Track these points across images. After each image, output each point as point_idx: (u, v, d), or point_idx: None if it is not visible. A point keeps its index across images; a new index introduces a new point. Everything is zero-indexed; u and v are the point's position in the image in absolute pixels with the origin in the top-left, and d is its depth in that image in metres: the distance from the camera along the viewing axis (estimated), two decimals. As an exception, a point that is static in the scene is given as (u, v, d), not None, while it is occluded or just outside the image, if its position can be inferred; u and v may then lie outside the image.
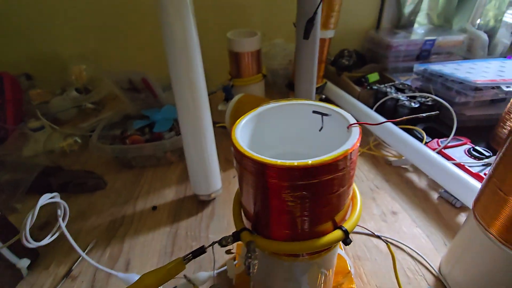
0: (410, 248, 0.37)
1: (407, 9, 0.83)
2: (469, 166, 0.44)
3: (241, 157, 0.19)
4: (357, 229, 0.39)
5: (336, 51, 0.82)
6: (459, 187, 0.40)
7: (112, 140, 0.56)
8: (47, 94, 0.72)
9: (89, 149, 0.53)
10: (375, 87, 0.66)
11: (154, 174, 0.53)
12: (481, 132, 0.55)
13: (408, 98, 0.59)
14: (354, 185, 0.25)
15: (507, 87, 0.51)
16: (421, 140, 0.51)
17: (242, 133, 0.21)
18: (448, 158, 0.47)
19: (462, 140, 0.50)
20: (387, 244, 0.27)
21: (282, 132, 0.25)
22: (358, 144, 0.19)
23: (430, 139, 0.52)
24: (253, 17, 0.81)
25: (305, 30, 0.47)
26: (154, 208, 0.45)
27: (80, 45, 0.76)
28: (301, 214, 0.19)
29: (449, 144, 0.49)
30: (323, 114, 0.23)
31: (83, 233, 0.42)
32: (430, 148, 0.49)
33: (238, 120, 0.21)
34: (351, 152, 0.18)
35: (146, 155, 0.54)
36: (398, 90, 0.63)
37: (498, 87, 0.51)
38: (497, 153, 0.26)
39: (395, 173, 0.50)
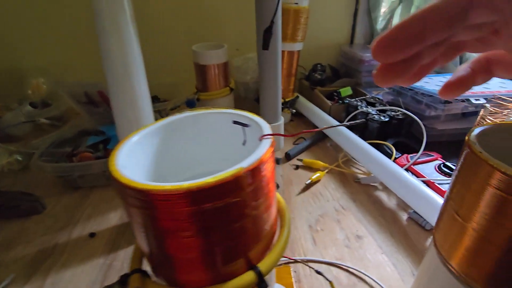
0: (373, 280, 0.32)
1: (379, 25, 0.83)
2: (439, 184, 0.41)
3: (118, 185, 0.14)
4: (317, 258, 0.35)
5: (310, 66, 0.81)
6: (427, 207, 0.37)
7: (60, 158, 0.51)
8: (1, 108, 0.67)
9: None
10: (346, 101, 0.64)
11: (101, 195, 0.48)
12: (452, 147, 0.52)
13: (378, 112, 0.57)
14: (285, 209, 0.21)
15: (476, 99, 0.49)
16: (390, 155, 0.48)
17: (135, 154, 0.17)
18: (418, 175, 0.43)
19: (432, 156, 0.47)
20: (330, 283, 0.22)
21: (199, 149, 0.21)
22: (263, 160, 0.15)
23: (400, 154, 0.49)
24: (227, 31, 0.79)
25: (264, 40, 0.44)
26: (92, 235, 0.40)
27: (40, 57, 0.72)
28: (199, 252, 0.15)
29: (418, 160, 0.46)
30: (243, 125, 0.20)
31: (3, 266, 0.36)
32: (398, 164, 0.46)
33: (125, 138, 0.17)
34: (252, 171, 0.14)
35: (95, 173, 0.49)
36: (369, 104, 0.61)
37: (468, 100, 0.49)
38: (453, 171, 0.23)
39: (363, 191, 0.46)
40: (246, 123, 0.20)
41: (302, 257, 0.35)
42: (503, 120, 0.44)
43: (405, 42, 0.12)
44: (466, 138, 0.21)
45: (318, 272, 0.30)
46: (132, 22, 0.34)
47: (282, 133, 0.57)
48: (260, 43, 0.46)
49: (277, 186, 0.22)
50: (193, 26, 0.76)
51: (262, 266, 0.17)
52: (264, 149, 0.15)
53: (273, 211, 0.19)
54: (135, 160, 0.17)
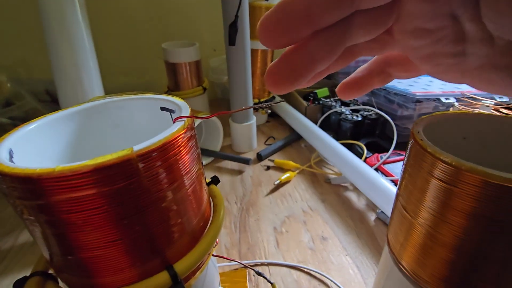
0: (335, 283, 0.30)
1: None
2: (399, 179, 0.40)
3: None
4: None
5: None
6: (394, 207, 0.36)
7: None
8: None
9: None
10: (321, 102, 0.63)
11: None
12: (426, 147, 0.51)
13: (351, 111, 0.56)
14: (220, 205, 0.19)
15: (446, 99, 0.48)
16: (361, 155, 0.47)
17: (33, 144, 0.15)
18: (387, 174, 0.42)
19: (403, 155, 0.46)
20: (272, 284, 0.20)
21: (123, 137, 0.19)
22: (167, 143, 0.13)
23: (371, 154, 0.48)
24: (203, 32, 0.78)
25: (229, 35, 0.43)
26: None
27: (2, 54, 0.69)
28: (98, 249, 0.13)
29: (389, 159, 0.45)
30: (170, 111, 0.18)
31: None
32: (368, 164, 0.44)
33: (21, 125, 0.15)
34: (150, 153, 0.12)
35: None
36: (343, 104, 0.60)
37: (438, 99, 0.49)
38: (402, 164, 0.22)
39: (333, 192, 0.45)
40: (173, 108, 0.18)
41: (263, 260, 0.33)
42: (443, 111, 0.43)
43: (290, 23, 0.10)
44: (412, 127, 0.20)
45: (259, 274, 0.28)
46: (83, 14, 0.32)
47: (255, 133, 0.56)
48: (227, 39, 0.45)
49: (216, 180, 0.20)
50: (166, 25, 0.74)
51: (179, 266, 0.15)
52: (170, 131, 0.13)
53: (197, 205, 0.17)
54: (33, 150, 0.15)
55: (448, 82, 0.17)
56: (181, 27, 0.75)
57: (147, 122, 0.19)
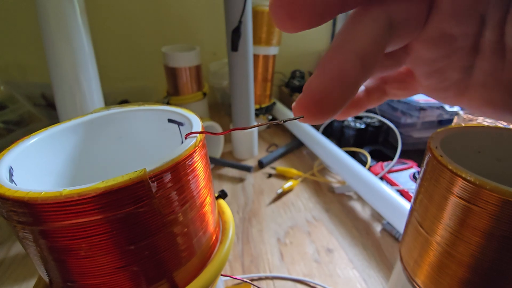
0: (342, 298, 0.30)
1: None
2: (413, 193, 0.39)
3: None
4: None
5: (290, 73, 0.80)
6: (401, 218, 0.35)
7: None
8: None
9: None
10: (323, 108, 0.62)
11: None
12: (429, 155, 0.51)
13: (354, 119, 0.55)
14: (229, 221, 0.18)
15: (450, 107, 0.48)
16: (365, 164, 0.47)
17: (34, 159, 0.14)
18: (392, 183, 0.42)
19: (407, 164, 0.45)
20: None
21: (129, 151, 0.18)
22: (180, 161, 0.12)
23: (375, 162, 0.47)
24: (202, 36, 0.77)
25: (232, 40, 0.42)
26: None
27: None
28: (104, 276, 0.12)
29: (393, 168, 0.44)
30: (178, 123, 0.17)
31: None
32: (373, 172, 0.44)
33: (19, 140, 0.14)
34: (163, 174, 0.11)
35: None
36: (346, 110, 0.60)
37: (442, 107, 0.49)
38: (417, 179, 0.21)
39: (337, 201, 0.44)
40: (181, 121, 0.17)
41: (267, 274, 0.32)
42: (460, 125, 0.43)
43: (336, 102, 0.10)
44: (428, 141, 0.19)
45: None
46: (83, 17, 0.31)
47: (256, 139, 0.55)
48: (229, 45, 0.44)
49: (225, 195, 0.19)
50: (166, 29, 0.73)
51: (187, 291, 0.14)
52: (183, 149, 0.13)
53: (207, 224, 0.16)
54: (35, 166, 0.14)
55: (443, 102, 0.17)
56: (181, 31, 0.75)
57: (152, 134, 0.18)
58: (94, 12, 0.66)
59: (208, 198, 0.16)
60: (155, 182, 0.11)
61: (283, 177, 0.50)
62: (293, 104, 0.11)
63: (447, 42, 0.12)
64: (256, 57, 0.59)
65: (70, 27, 0.30)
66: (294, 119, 0.14)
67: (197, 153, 0.14)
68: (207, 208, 0.16)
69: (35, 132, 0.14)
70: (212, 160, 0.51)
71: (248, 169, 0.49)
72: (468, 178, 0.15)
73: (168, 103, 0.61)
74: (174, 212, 0.13)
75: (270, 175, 0.50)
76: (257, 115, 0.63)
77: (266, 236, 0.38)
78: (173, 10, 0.72)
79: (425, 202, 0.19)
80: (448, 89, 0.15)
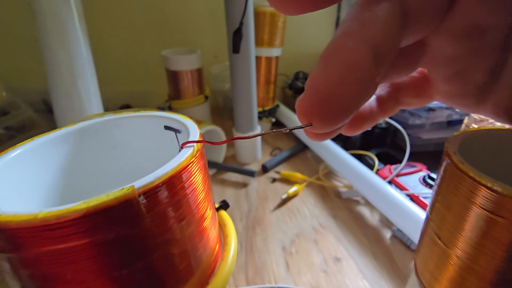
0: (352, 311, 0.28)
1: (363, 33, 0.82)
2: (424, 198, 0.38)
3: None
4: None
5: (294, 74, 0.78)
6: (412, 224, 0.33)
7: None
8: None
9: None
10: (327, 110, 0.61)
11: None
12: (439, 157, 0.49)
13: (360, 120, 0.54)
14: (230, 235, 0.17)
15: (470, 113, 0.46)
16: (372, 167, 0.45)
17: (19, 173, 0.13)
18: (401, 187, 0.40)
19: (417, 167, 0.44)
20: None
21: (123, 161, 0.17)
22: (175, 175, 0.11)
23: (383, 165, 0.45)
24: (203, 39, 0.76)
25: (233, 42, 0.41)
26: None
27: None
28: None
29: (402, 172, 0.43)
30: (175, 131, 0.16)
31: None
32: (381, 176, 0.42)
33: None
34: (155, 190, 0.10)
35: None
36: (351, 112, 0.58)
37: (452, 108, 0.47)
38: (433, 186, 0.19)
39: (345, 207, 0.42)
40: (178, 128, 0.16)
41: (273, 285, 0.31)
42: (480, 127, 0.41)
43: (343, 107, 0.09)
44: (445, 146, 0.18)
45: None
46: (80, 21, 0.30)
47: (259, 143, 0.54)
48: (230, 47, 0.43)
49: (226, 205, 0.18)
50: (166, 32, 0.73)
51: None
52: (177, 161, 0.11)
53: (208, 239, 0.15)
54: (17, 182, 0.13)
55: (462, 109, 0.15)
56: (182, 34, 0.74)
57: (149, 142, 0.17)
58: (95, 17, 0.66)
59: (208, 212, 0.15)
60: (146, 200, 0.10)
61: (288, 181, 0.48)
62: (296, 105, 0.10)
63: (474, 35, 0.10)
64: (258, 59, 0.57)
65: (68, 32, 0.30)
66: (301, 127, 0.12)
67: (194, 164, 0.12)
68: (207, 223, 0.15)
69: (19, 144, 0.13)
70: (214, 164, 0.50)
71: (251, 173, 0.48)
72: (494, 187, 0.14)
73: (169, 107, 0.60)
74: (170, 230, 0.12)
75: (274, 180, 0.49)
76: (260, 118, 0.62)
77: (270, 245, 0.36)
78: (174, 13, 0.71)
79: (443, 212, 0.18)
80: (470, 95, 0.13)
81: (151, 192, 0.10)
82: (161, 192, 0.10)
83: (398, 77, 0.14)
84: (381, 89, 0.16)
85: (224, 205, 0.19)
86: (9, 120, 0.61)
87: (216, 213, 0.18)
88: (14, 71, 0.67)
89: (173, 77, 0.58)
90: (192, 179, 0.12)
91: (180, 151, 0.14)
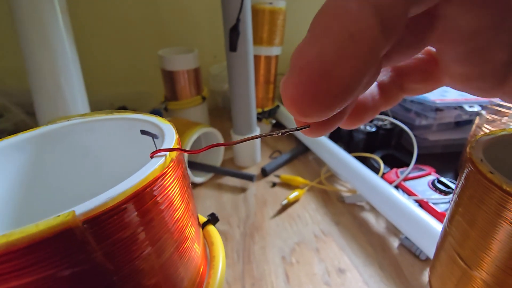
0: (357, 329, 0.26)
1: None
2: (434, 203, 0.35)
3: None
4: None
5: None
6: (421, 232, 0.31)
7: None
8: None
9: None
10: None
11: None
12: (447, 160, 0.47)
13: (364, 121, 0.51)
14: (218, 256, 0.15)
15: (470, 106, 0.44)
16: (378, 170, 0.43)
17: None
18: (409, 193, 0.38)
19: (425, 170, 0.41)
20: None
21: (94, 171, 0.15)
22: (138, 194, 0.09)
23: (389, 169, 0.43)
24: (202, 38, 0.74)
25: (230, 39, 0.39)
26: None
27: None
28: None
29: (409, 175, 0.40)
30: (153, 136, 0.13)
31: None
32: (387, 180, 0.40)
33: None
34: (105, 216, 0.08)
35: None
36: (354, 112, 0.56)
37: (461, 107, 0.44)
38: (451, 197, 0.17)
39: (348, 212, 0.40)
40: (155, 133, 0.14)
41: (271, 299, 0.29)
42: (504, 129, 0.38)
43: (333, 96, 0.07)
44: (468, 151, 0.15)
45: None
46: (64, 17, 0.28)
47: (259, 145, 0.51)
48: (227, 44, 0.41)
49: (215, 220, 0.16)
50: (163, 31, 0.71)
51: None
52: (141, 176, 0.09)
53: (189, 264, 0.12)
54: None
55: (476, 94, 0.12)
56: (179, 33, 0.72)
57: (125, 149, 0.15)
58: (89, 17, 0.64)
59: (189, 229, 0.12)
60: (94, 228, 0.08)
61: (288, 186, 0.46)
62: (281, 87, 0.08)
63: (501, 2, 0.08)
64: (257, 58, 0.55)
65: (49, 27, 0.28)
66: (296, 129, 0.10)
67: (168, 176, 0.10)
68: (189, 243, 0.12)
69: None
70: (212, 168, 0.47)
71: (250, 178, 0.45)
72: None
73: (166, 109, 0.58)
74: (138, 258, 0.10)
75: (274, 184, 0.46)
76: (259, 119, 0.60)
77: (269, 254, 0.34)
78: (171, 13, 0.69)
79: (465, 227, 0.15)
80: (488, 77, 0.11)
81: (102, 218, 0.08)
82: (119, 215, 0.08)
83: (403, 58, 0.12)
84: (383, 75, 0.14)
85: (212, 220, 0.17)
86: (3, 123, 0.60)
87: (202, 229, 0.16)
88: (9, 73, 0.65)
89: (169, 77, 0.56)
90: (167, 193, 0.10)
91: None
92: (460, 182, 0.16)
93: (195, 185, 0.46)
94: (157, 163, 0.10)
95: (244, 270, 0.32)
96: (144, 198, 0.09)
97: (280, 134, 0.10)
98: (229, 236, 0.37)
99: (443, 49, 0.11)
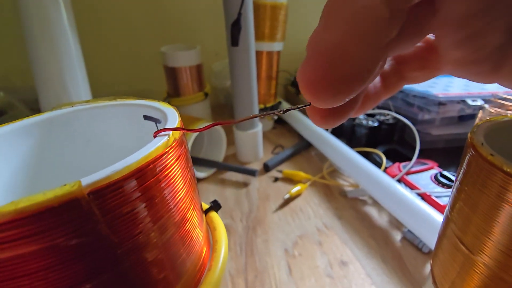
0: (360, 320, 0.26)
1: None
2: (436, 197, 0.35)
3: None
4: (290, 290, 0.28)
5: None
6: (424, 225, 0.31)
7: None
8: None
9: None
10: (332, 106, 0.58)
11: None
12: (450, 154, 0.46)
13: (366, 116, 0.51)
14: (221, 240, 0.15)
15: (473, 100, 0.43)
16: (380, 165, 0.43)
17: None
18: (411, 186, 0.38)
19: (427, 164, 0.41)
20: None
21: (97, 156, 0.15)
22: (141, 169, 0.09)
23: (391, 163, 0.43)
24: (204, 35, 0.75)
25: (232, 34, 0.39)
26: None
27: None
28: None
29: (412, 169, 0.40)
30: (156, 121, 0.14)
31: None
32: (389, 174, 0.40)
33: None
34: (111, 187, 0.08)
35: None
36: (357, 108, 0.56)
37: (464, 101, 0.44)
38: (454, 182, 0.17)
39: (350, 207, 0.40)
40: (158, 117, 0.14)
41: (274, 291, 0.29)
42: (506, 115, 0.38)
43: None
44: (469, 136, 0.15)
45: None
46: (68, 15, 0.28)
47: (261, 141, 0.51)
48: (229, 39, 0.41)
49: (217, 206, 0.16)
50: (166, 28, 0.71)
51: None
52: (144, 152, 0.09)
53: (192, 244, 0.13)
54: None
55: (474, 79, 0.13)
56: (182, 31, 0.72)
57: (127, 135, 0.15)
58: (91, 16, 0.65)
59: (191, 212, 0.12)
60: (99, 200, 0.08)
61: (291, 181, 0.46)
62: (297, 75, 0.08)
63: None
64: (259, 53, 0.55)
65: (53, 25, 0.28)
66: (298, 107, 0.10)
67: (170, 156, 0.10)
68: (191, 226, 0.13)
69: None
70: (214, 164, 0.48)
71: (252, 173, 0.45)
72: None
73: (168, 105, 0.58)
74: (141, 234, 0.10)
75: (276, 179, 0.46)
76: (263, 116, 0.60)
77: (272, 247, 0.34)
78: (173, 10, 0.70)
79: (467, 212, 0.15)
80: (485, 61, 0.11)
81: (107, 190, 0.08)
82: (123, 188, 0.08)
83: (405, 45, 0.12)
84: (387, 67, 0.14)
85: (215, 206, 0.17)
86: (7, 120, 0.60)
87: (205, 215, 0.16)
88: (14, 70, 0.66)
89: (172, 74, 0.56)
90: (169, 172, 0.10)
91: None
92: (462, 168, 0.16)
93: (198, 180, 0.47)
94: (161, 141, 0.10)
95: (247, 262, 0.32)
96: (147, 175, 0.09)
97: (282, 112, 0.10)
98: (232, 230, 0.37)
99: (441, 35, 0.12)
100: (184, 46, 0.59)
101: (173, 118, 0.12)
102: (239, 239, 0.35)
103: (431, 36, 0.14)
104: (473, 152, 0.14)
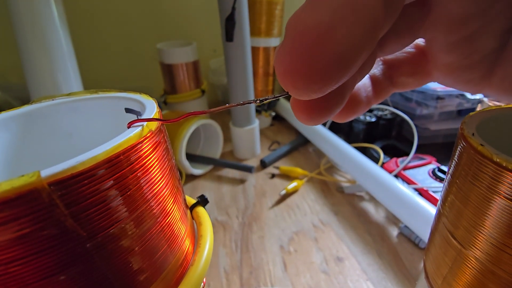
0: (354, 316, 0.25)
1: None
2: (434, 192, 0.35)
3: None
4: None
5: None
6: (420, 220, 0.30)
7: None
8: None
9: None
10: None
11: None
12: (449, 149, 0.46)
13: (364, 111, 0.51)
14: (206, 235, 0.15)
15: (472, 94, 0.43)
16: (377, 160, 0.42)
17: None
18: (409, 181, 0.37)
19: (425, 159, 0.40)
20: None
21: (77, 150, 0.15)
22: (111, 160, 0.09)
23: (389, 158, 0.42)
24: (202, 32, 0.74)
25: (226, 29, 0.39)
26: None
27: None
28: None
29: (410, 165, 0.39)
30: (137, 113, 0.13)
31: None
32: (386, 170, 0.39)
33: None
34: (74, 179, 0.08)
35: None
36: (354, 103, 0.55)
37: (462, 95, 0.44)
38: (445, 176, 0.17)
39: (347, 202, 0.40)
40: (139, 110, 0.13)
41: (268, 287, 0.29)
42: (499, 106, 0.38)
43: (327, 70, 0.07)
44: (460, 127, 0.15)
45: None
46: (59, 11, 0.28)
47: (258, 137, 0.51)
48: (224, 35, 0.41)
49: (204, 201, 0.16)
50: (162, 25, 0.70)
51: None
52: (113, 143, 0.09)
53: (175, 238, 0.12)
54: None
55: (464, 88, 0.13)
56: (178, 28, 0.72)
57: (110, 128, 0.15)
58: (86, 11, 0.64)
59: (171, 205, 0.12)
60: (62, 192, 0.07)
61: (287, 177, 0.46)
62: (274, 58, 0.07)
63: None
64: (256, 49, 0.55)
65: (45, 24, 0.28)
66: (275, 97, 0.10)
67: (147, 146, 0.10)
68: (172, 218, 0.12)
69: None
70: (211, 160, 0.47)
71: (249, 169, 0.45)
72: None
73: (165, 102, 0.58)
74: (116, 225, 0.09)
75: (273, 176, 0.46)
76: (258, 111, 0.59)
77: (267, 243, 0.34)
78: (170, 6, 0.69)
79: (458, 205, 0.15)
80: (475, 67, 0.11)
81: (71, 181, 0.08)
82: (90, 179, 0.08)
83: (396, 47, 0.12)
84: (374, 67, 0.14)
85: (202, 201, 0.16)
86: None
87: (192, 210, 0.16)
88: (11, 68, 0.66)
89: (168, 70, 0.55)
90: (144, 163, 0.10)
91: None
92: (453, 160, 0.15)
93: (195, 177, 0.46)
94: (133, 131, 0.10)
95: (242, 259, 0.32)
96: (118, 165, 0.09)
97: (258, 101, 0.10)
98: (227, 226, 0.37)
99: (433, 38, 0.11)
100: (180, 42, 0.58)
101: (151, 109, 0.12)
102: (234, 235, 0.35)
103: (421, 42, 0.13)
104: (464, 144, 0.14)
